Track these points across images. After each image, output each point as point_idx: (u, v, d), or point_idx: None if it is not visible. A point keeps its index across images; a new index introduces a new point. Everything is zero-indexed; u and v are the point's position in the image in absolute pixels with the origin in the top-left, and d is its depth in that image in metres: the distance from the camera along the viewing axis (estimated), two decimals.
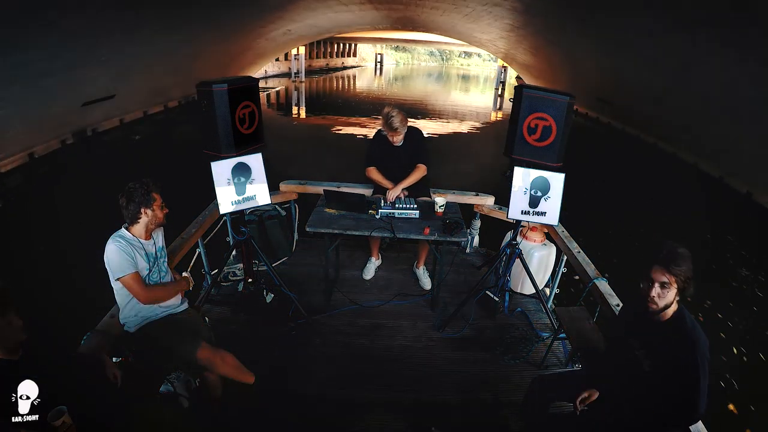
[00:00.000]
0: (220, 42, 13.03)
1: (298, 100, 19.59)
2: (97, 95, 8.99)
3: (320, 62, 35.42)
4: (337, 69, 37.44)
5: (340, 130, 13.11)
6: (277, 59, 26.91)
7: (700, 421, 1.69)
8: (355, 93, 24.79)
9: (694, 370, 1.48)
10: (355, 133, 12.69)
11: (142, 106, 11.56)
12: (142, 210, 2.02)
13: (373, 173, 3.18)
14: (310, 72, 30.44)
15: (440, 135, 12.86)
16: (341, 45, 39.64)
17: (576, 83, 14.09)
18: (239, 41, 14.33)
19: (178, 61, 11.46)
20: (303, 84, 24.15)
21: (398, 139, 3.06)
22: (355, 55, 44.09)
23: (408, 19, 18.04)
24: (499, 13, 11.62)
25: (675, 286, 1.52)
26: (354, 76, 35.29)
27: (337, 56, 39.44)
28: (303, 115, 16.14)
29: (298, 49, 24.85)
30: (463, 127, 14.89)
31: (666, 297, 1.54)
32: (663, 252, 1.54)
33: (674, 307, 1.58)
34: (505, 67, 24.39)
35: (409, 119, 3.10)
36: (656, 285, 1.54)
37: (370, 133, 11.66)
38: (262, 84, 21.30)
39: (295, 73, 24.68)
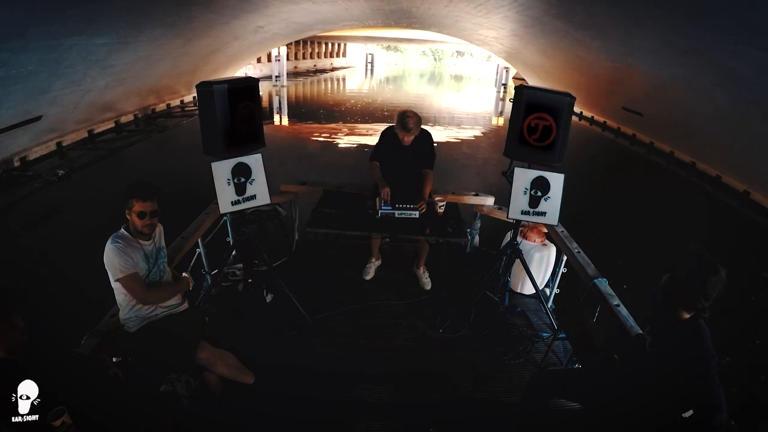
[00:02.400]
0: (176, 44, 10.73)
1: (279, 108, 16.96)
2: (15, 119, 6.99)
3: (307, 63, 32.94)
4: (325, 71, 34.79)
5: (322, 141, 11.23)
6: (259, 60, 24.17)
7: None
8: (342, 99, 21.57)
9: (702, 377, 1.47)
10: (340, 145, 10.86)
11: (85, 125, 9.46)
12: (126, 212, 2.02)
13: (374, 169, 3.16)
14: (296, 74, 28.61)
15: (439, 144, 11.24)
16: (329, 45, 37.20)
17: (595, 88, 12.61)
18: (202, 42, 12.06)
19: (121, 70, 9.37)
20: (285, 88, 21.32)
21: (409, 141, 3.07)
22: (344, 55, 42.07)
23: (403, 12, 15.91)
24: (528, 2, 9.63)
25: (669, 283, 1.57)
26: (343, 78, 32.72)
27: (326, 57, 36.86)
28: (280, 126, 13.58)
29: (279, 49, 22.34)
30: (463, 135, 13.09)
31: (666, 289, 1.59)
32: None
33: (683, 311, 1.57)
34: (507, 68, 23.13)
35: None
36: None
37: (355, 146, 10.73)
38: None
39: (276, 77, 21.72)
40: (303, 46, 31.93)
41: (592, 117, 14.50)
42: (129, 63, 9.46)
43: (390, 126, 3.15)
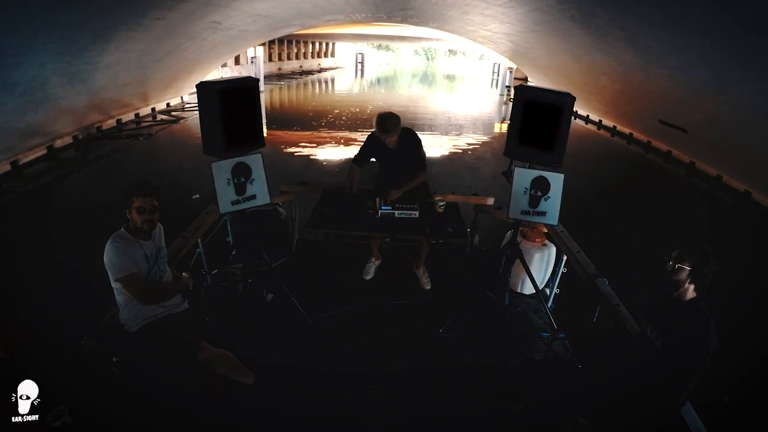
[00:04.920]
0: (99, 50, 8.38)
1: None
2: None
3: (292, 64, 30.46)
4: (311, 72, 32.13)
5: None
6: (238, 62, 21.52)
7: (690, 406, 1.85)
8: (327, 106, 17.86)
9: (696, 359, 1.62)
10: (323, 163, 9.17)
11: (6, 155, 7.43)
12: (126, 212, 2.03)
13: (350, 173, 3.17)
14: (280, 76, 26.38)
15: (439, 157, 9.58)
16: (317, 44, 35.24)
17: (625, 97, 10.96)
18: (140, 47, 9.56)
19: (33, 88, 7.27)
20: (262, 94, 18.56)
21: (391, 142, 3.06)
22: (333, 55, 39.67)
23: (397, 3, 13.96)
24: None
25: (687, 266, 1.71)
26: (332, 80, 30.10)
27: (313, 57, 34.62)
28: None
29: (255, 49, 19.63)
30: (464, 143, 11.45)
31: (679, 274, 1.73)
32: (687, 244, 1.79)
33: (692, 292, 1.73)
34: (510, 69, 21.64)
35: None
36: (671, 261, 1.77)
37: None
38: (195, 98, 13.44)
39: None
40: (288, 45, 29.69)
41: (615, 127, 12.79)
42: (40, 78, 7.34)
43: (374, 131, 3.10)
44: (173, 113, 13.29)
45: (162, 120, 12.34)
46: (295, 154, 9.77)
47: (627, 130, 12.12)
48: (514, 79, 21.63)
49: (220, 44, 13.93)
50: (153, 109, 12.95)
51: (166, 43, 10.55)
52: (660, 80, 8.86)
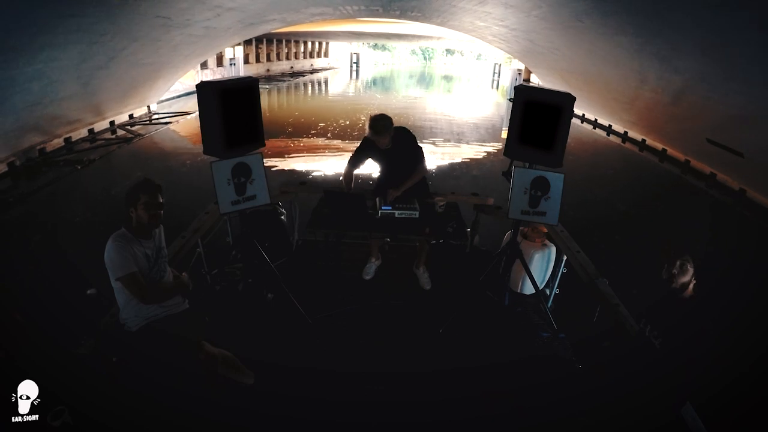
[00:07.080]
0: (21, 60, 6.57)
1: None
2: None
3: (282, 65, 28.60)
4: (303, 73, 30.36)
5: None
6: (220, 63, 19.58)
7: (690, 406, 1.85)
8: (312, 117, 14.86)
9: (697, 359, 1.66)
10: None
11: None
12: (130, 210, 2.02)
13: (345, 176, 3.18)
14: (269, 78, 24.91)
15: (441, 168, 8.81)
16: (309, 44, 33.98)
17: (661, 108, 9.63)
18: (71, 54, 7.67)
19: None
20: None
21: (384, 143, 3.06)
22: (327, 55, 38.59)
23: None
24: None
25: (691, 267, 1.79)
26: (325, 82, 28.25)
27: (305, 58, 33.18)
28: None
29: (234, 50, 18.21)
30: (469, 154, 10.64)
31: (684, 275, 1.80)
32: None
33: (691, 291, 1.80)
34: (519, 71, 21.09)
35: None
36: (677, 263, 1.83)
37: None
38: (168, 107, 13.53)
39: None
40: (277, 45, 27.95)
41: (644, 140, 11.43)
42: None
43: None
44: (134, 127, 11.33)
45: (116, 137, 10.36)
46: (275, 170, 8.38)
47: (660, 146, 10.75)
48: (523, 80, 21.03)
49: (182, 45, 11.54)
50: (112, 123, 11.11)
51: (106, 47, 8.54)
52: (727, 94, 7.36)
